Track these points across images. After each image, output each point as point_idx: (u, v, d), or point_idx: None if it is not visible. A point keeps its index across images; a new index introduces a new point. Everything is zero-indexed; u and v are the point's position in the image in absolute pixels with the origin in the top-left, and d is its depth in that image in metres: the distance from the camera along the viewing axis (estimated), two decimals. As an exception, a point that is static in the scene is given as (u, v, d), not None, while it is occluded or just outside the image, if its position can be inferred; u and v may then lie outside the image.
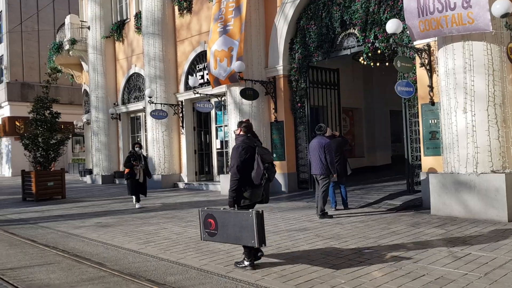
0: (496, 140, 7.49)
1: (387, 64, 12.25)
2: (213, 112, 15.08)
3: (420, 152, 9.67)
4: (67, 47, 20.16)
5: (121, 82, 19.09)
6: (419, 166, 9.67)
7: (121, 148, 19.18)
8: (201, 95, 13.40)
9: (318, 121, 12.63)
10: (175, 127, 15.92)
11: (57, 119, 13.57)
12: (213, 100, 14.26)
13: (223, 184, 12.86)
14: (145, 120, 18.22)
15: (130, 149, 10.64)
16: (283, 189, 12.35)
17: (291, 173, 12.45)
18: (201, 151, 16.19)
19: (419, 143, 9.84)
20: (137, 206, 10.55)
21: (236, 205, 5.08)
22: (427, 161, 9.25)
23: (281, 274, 4.83)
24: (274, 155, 12.60)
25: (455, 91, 7.75)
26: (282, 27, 12.33)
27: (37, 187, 12.71)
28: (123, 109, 18.96)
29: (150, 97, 14.78)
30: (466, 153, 7.66)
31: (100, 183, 18.86)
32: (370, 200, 9.79)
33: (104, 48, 19.23)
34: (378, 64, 12.63)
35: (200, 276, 4.96)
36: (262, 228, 4.83)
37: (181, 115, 15.74)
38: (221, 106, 14.21)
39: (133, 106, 18.44)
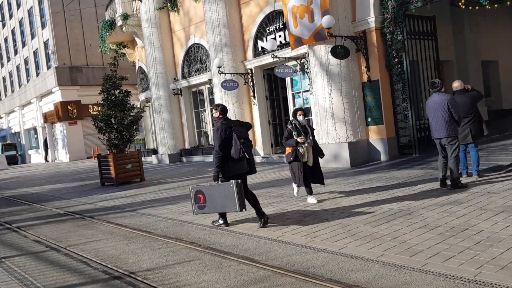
0: None
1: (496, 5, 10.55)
2: (288, 78, 13.86)
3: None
4: (119, 23, 19.25)
5: (180, 55, 18.08)
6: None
7: (185, 125, 18.36)
8: (280, 59, 12.17)
9: (416, 77, 11.21)
10: (245, 97, 14.84)
11: (128, 98, 12.74)
12: (291, 64, 12.99)
13: (312, 155, 11.74)
14: (210, 93, 17.30)
15: (291, 118, 7.27)
16: (382, 156, 11.10)
17: (390, 138, 11.17)
18: (275, 122, 15.10)
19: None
20: (311, 200, 7.11)
21: (219, 178, 5.92)
22: None
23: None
24: (369, 119, 11.34)
25: None
26: (372, -28, 10.82)
27: (116, 170, 12.04)
28: (184, 83, 18.03)
29: (219, 67, 13.71)
30: None
31: (168, 162, 18.20)
32: (502, 163, 8.43)
33: (159, 20, 18.21)
34: (480, 7, 10.99)
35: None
36: (241, 195, 5.74)
37: (251, 84, 14.62)
38: (301, 70, 12.95)
39: (195, 80, 17.46)
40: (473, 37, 14.25)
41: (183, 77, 18.17)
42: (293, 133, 6.92)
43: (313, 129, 7.57)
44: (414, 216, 5.64)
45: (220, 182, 5.90)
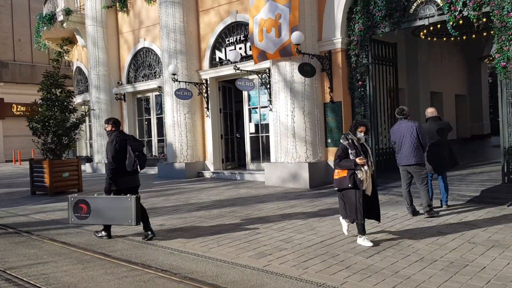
0: None
1: (464, 38, 10.92)
2: (245, 92, 13.38)
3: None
4: (60, 17, 17.76)
5: (126, 58, 16.98)
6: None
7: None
8: (242, 71, 11.67)
9: (377, 102, 11.22)
10: (198, 108, 14.12)
11: (71, 99, 11.53)
12: (252, 77, 12.49)
13: (268, 174, 11.29)
14: (157, 101, 16.37)
15: (347, 132, 5.64)
16: (340, 178, 10.89)
17: (349, 161, 11.00)
18: (227, 136, 14.51)
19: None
20: (365, 243, 5.45)
21: (112, 191, 6.06)
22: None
23: None
24: (329, 141, 11.13)
25: None
26: (341, -7, 10.74)
27: (51, 178, 10.73)
28: (128, 88, 16.92)
29: (174, 74, 12.91)
30: None
31: (103, 172, 16.84)
32: (465, 193, 8.49)
33: (106, 19, 17.04)
34: (445, 38, 11.34)
35: None
36: (139, 210, 5.90)
37: (205, 95, 13.95)
38: (261, 85, 12.51)
39: (142, 86, 16.43)
40: (424, 68, 14.74)
41: (128, 82, 17.06)
42: (350, 151, 5.47)
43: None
44: (404, 248, 5.31)
45: (112, 194, 6.06)
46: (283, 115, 10.95)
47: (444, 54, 16.09)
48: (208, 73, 13.88)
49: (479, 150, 16.25)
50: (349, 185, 5.39)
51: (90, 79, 17.22)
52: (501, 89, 8.78)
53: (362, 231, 5.51)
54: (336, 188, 5.66)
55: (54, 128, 10.99)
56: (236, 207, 8.38)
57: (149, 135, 16.82)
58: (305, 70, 10.35)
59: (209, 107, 13.96)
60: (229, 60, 13.22)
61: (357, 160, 5.34)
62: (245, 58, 12.74)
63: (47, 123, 10.88)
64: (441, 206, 7.61)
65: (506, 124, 8.64)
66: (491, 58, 20.18)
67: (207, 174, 13.87)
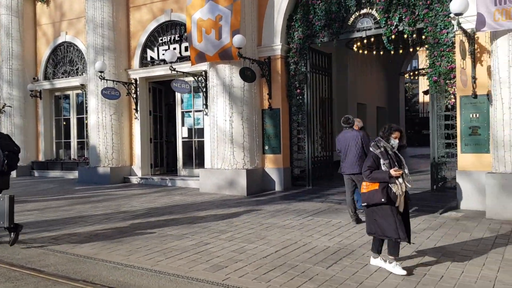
0: None
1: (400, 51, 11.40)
2: (178, 94, 12.87)
3: (443, 149, 9.07)
4: (-34, 3, 15.87)
5: (44, 52, 15.60)
6: (442, 165, 9.06)
7: (41, 133, 15.73)
8: (178, 72, 11.17)
9: (314, 110, 11.31)
10: (126, 110, 13.31)
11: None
12: (188, 80, 11.99)
13: (203, 180, 10.89)
14: (78, 101, 15.23)
15: (378, 139, 4.85)
16: (277, 186, 10.82)
17: (286, 168, 10.99)
18: (156, 140, 13.84)
19: (444, 139, 9.21)
20: (396, 270, 4.63)
21: None
22: (465, 159, 8.50)
23: None
24: (267, 147, 11.02)
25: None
26: (281, 0, 10.72)
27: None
28: (46, 85, 15.54)
29: (101, 71, 12.04)
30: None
31: (14, 175, 15.24)
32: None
33: (22, 9, 15.53)
34: (375, 52, 11.79)
35: None
36: (12, 211, 5.74)
37: (134, 96, 13.20)
38: (196, 88, 12.07)
39: (61, 83, 15.17)
40: (352, 79, 15.28)
41: (46, 78, 15.67)
42: (382, 162, 4.69)
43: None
44: (359, 257, 5.27)
45: None
46: (221, 120, 10.64)
47: (369, 67, 16.84)
48: (138, 73, 13.16)
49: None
50: (382, 200, 4.63)
51: (2, 73, 15.55)
52: (432, 102, 9.26)
53: (395, 252, 4.68)
54: (365, 204, 4.85)
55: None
56: (174, 216, 7.89)
57: (67, 137, 15.55)
58: (246, 74, 10.15)
59: (138, 108, 13.22)
60: (162, 60, 12.67)
61: (392, 172, 4.57)
62: (180, 59, 12.26)
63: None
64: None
65: (436, 136, 9.12)
66: (411, 73, 21.69)
67: (134, 180, 13.09)
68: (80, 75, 14.70)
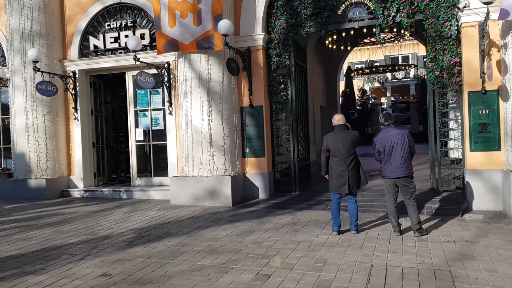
0: None
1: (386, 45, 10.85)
2: (130, 90, 10.95)
3: (444, 147, 8.73)
4: None
5: None
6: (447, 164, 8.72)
7: None
8: (142, 64, 9.34)
9: (299, 108, 10.27)
10: (61, 109, 11.00)
11: None
12: (152, 73, 10.09)
13: (176, 190, 9.27)
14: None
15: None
16: (261, 194, 9.60)
17: (271, 173, 9.83)
18: (98, 144, 11.69)
19: (449, 136, 8.89)
20: None
21: None
22: (474, 158, 8.16)
23: None
24: (247, 150, 9.75)
25: None
26: (262, -16, 9.55)
27: None
28: None
29: (35, 61, 9.72)
30: None
31: None
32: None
33: None
34: (349, 47, 11.15)
35: None
36: None
37: (73, 92, 10.96)
38: (160, 82, 10.26)
39: (-33, 76, 12.15)
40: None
41: None
42: None
43: None
44: (463, 278, 4.40)
45: None
46: (197, 120, 9.13)
47: (316, 64, 16.35)
48: (77, 64, 10.95)
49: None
50: None
51: None
52: (433, 98, 8.84)
53: None
54: None
55: None
56: (176, 238, 6.31)
57: (-23, 143, 12.55)
58: (232, 67, 8.80)
59: (78, 107, 11.01)
60: (109, 49, 10.68)
61: None
62: (125, 49, 10.45)
63: None
64: (350, 231, 6.46)
65: (437, 134, 8.69)
66: (360, 71, 21.56)
67: (76, 193, 10.86)
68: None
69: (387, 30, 9.36)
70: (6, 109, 11.83)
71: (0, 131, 12.23)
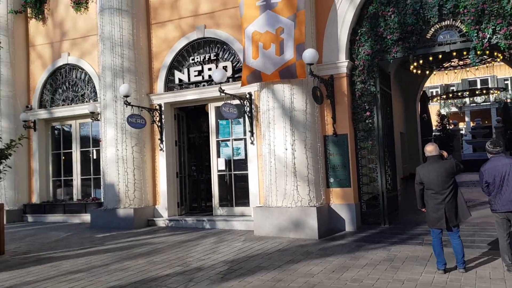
0: None
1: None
2: (212, 121, 11.17)
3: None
4: None
5: (40, 76, 13.51)
6: None
7: (35, 171, 13.41)
8: (227, 95, 9.52)
9: (385, 136, 9.88)
10: (148, 140, 11.42)
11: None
12: (235, 103, 10.19)
13: (260, 221, 9.14)
14: (84, 131, 13.18)
15: None
16: (348, 226, 9.22)
17: (357, 204, 9.45)
18: (181, 174, 11.95)
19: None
20: None
21: None
22: None
23: None
24: (332, 180, 9.46)
25: None
26: (345, 11, 9.42)
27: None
28: (42, 114, 13.39)
29: (126, 96, 10.22)
30: None
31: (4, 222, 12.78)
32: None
33: (13, 27, 13.48)
34: (428, 72, 10.64)
35: None
36: None
37: (159, 124, 11.37)
38: (242, 112, 10.36)
39: (62, 111, 13.07)
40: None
41: (42, 106, 13.54)
42: None
43: None
44: None
45: None
46: (280, 149, 9.03)
47: (396, 89, 15.86)
48: (162, 98, 11.38)
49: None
50: None
51: (-13, 100, 13.28)
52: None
53: None
54: None
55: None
56: (270, 272, 6.11)
57: (69, 174, 13.34)
58: (317, 95, 8.68)
59: (163, 138, 11.37)
60: (193, 82, 11.01)
61: None
62: (208, 82, 10.74)
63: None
64: (457, 270, 5.91)
65: None
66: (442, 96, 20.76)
67: (161, 222, 11.10)
68: (87, 101, 12.73)
69: (479, 53, 8.75)
70: (94, 141, 12.55)
71: (91, 162, 12.92)
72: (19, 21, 13.69)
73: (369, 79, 9.43)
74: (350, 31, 9.50)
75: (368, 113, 9.41)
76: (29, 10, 13.68)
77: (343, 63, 9.39)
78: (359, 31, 9.52)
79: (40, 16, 13.50)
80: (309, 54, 8.26)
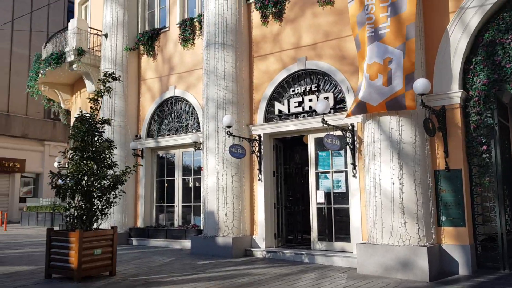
0: None
1: None
2: (312, 152, 11.05)
3: None
4: (71, 58, 15.25)
5: (149, 108, 14.48)
6: None
7: (141, 196, 14.22)
8: (329, 126, 9.41)
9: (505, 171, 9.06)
10: (247, 170, 11.58)
11: (112, 150, 8.83)
12: (337, 135, 10.06)
13: (363, 258, 8.70)
14: (185, 160, 13.75)
15: None
16: (461, 269, 8.44)
17: (472, 246, 8.66)
18: (278, 205, 11.90)
19: None
20: None
21: None
22: None
23: None
24: (444, 218, 8.78)
25: None
26: (458, 39, 8.93)
27: (80, 257, 7.67)
28: (149, 143, 14.25)
29: (229, 127, 10.52)
30: None
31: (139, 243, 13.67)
32: None
33: (127, 63, 14.69)
34: None
35: None
36: None
37: (258, 154, 11.50)
38: (345, 144, 10.16)
39: (167, 140, 13.81)
40: None
41: (149, 135, 14.43)
42: None
43: None
44: None
45: None
46: (387, 183, 8.61)
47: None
48: (262, 128, 11.54)
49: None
50: None
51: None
52: None
53: None
54: None
55: (89, 187, 8.14)
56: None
57: (171, 200, 13.92)
58: (429, 127, 8.22)
59: (262, 168, 11.45)
60: (293, 113, 11.03)
61: None
62: (308, 113, 10.68)
63: (80, 182, 8.03)
64: None
65: None
66: None
67: (259, 253, 11.05)
68: (190, 132, 13.32)
69: None
70: (194, 170, 13.05)
71: (192, 190, 13.38)
72: (132, 57, 14.89)
73: (486, 111, 8.74)
74: (463, 60, 8.95)
75: (484, 147, 8.68)
76: (141, 47, 14.84)
77: (457, 93, 8.82)
78: (473, 59, 8.94)
79: (151, 53, 14.57)
80: (420, 84, 7.90)
